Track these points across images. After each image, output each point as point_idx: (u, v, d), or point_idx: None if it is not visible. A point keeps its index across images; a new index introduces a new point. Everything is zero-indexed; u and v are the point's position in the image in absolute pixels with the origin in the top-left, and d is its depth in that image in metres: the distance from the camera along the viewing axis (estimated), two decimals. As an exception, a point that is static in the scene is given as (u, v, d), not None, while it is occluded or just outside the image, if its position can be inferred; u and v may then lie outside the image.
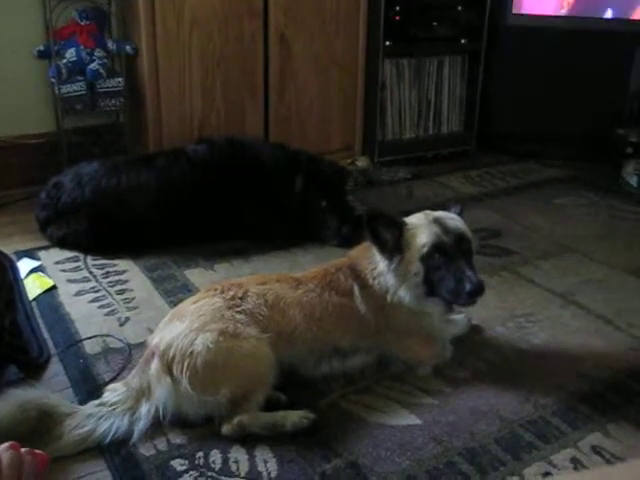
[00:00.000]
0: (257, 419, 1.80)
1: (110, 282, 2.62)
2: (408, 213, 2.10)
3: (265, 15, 3.47)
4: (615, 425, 1.87)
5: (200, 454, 1.75)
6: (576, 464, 1.74)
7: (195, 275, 2.69)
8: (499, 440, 1.81)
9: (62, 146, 3.39)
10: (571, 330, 2.35)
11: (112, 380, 2.00)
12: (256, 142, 3.17)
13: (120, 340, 2.22)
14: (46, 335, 2.25)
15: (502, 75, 4.21)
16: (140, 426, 1.79)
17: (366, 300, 2.04)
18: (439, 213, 2.06)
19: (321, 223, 2.99)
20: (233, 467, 1.71)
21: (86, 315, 2.38)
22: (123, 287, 2.59)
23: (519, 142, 4.25)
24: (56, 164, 3.29)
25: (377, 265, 2.05)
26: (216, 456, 1.74)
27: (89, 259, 2.80)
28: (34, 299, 2.48)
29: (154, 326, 2.03)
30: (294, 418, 1.81)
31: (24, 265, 2.70)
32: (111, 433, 1.77)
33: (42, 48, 3.28)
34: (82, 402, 1.88)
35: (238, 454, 1.75)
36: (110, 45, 3.36)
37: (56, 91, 3.27)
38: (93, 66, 3.27)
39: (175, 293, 2.53)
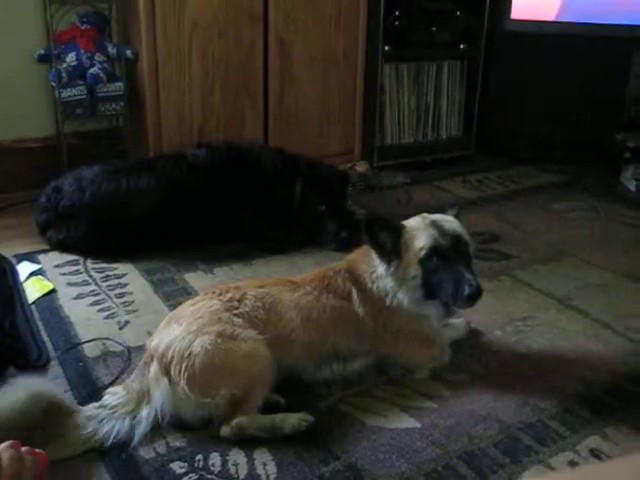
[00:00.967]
0: (256, 421, 1.80)
1: (110, 285, 2.62)
2: (407, 217, 2.11)
3: (265, 20, 3.49)
4: (613, 428, 1.87)
5: (199, 457, 1.75)
6: (574, 467, 1.74)
7: (194, 279, 2.69)
8: (498, 443, 1.81)
9: (62, 150, 3.40)
10: (569, 334, 2.36)
11: (111, 383, 2.01)
12: (255, 147, 3.17)
13: (119, 343, 2.22)
14: (45, 338, 2.25)
15: (501, 80, 4.23)
16: (141, 429, 1.79)
17: (364, 303, 2.05)
18: (436, 216, 2.07)
19: (320, 227, 2.99)
20: (232, 470, 1.71)
21: (85, 318, 2.38)
22: (122, 290, 2.59)
23: (517, 147, 4.26)
24: (56, 168, 3.30)
25: (375, 269, 2.06)
26: (215, 459, 1.74)
27: (89, 262, 2.80)
28: (34, 302, 2.48)
29: (153, 329, 2.04)
30: (293, 421, 1.82)
31: (24, 268, 2.70)
32: (112, 436, 1.77)
33: (43, 52, 3.29)
34: (81, 405, 1.87)
35: (237, 457, 1.75)
36: (110, 49, 3.37)
37: (56, 95, 3.28)
38: (93, 70, 3.27)
39: (174, 296, 2.54)
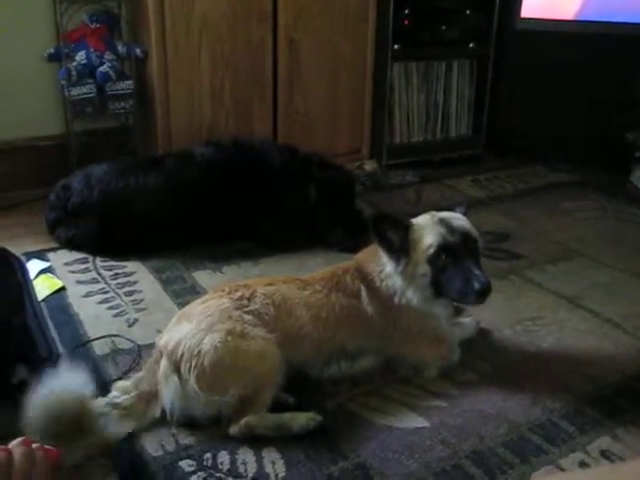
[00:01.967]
0: (265, 420, 1.80)
1: (119, 283, 2.63)
2: (416, 216, 2.10)
3: (274, 19, 3.48)
4: (624, 429, 1.86)
5: (208, 455, 1.75)
6: (584, 468, 1.73)
7: (203, 277, 2.70)
8: (507, 443, 1.81)
9: (71, 148, 3.41)
10: (579, 334, 2.35)
11: (120, 379, 2.01)
12: (265, 145, 3.15)
13: (129, 340, 2.23)
14: (55, 336, 2.26)
15: (510, 79, 4.21)
16: (148, 429, 1.80)
17: (373, 302, 2.05)
18: (444, 214, 2.06)
19: (331, 230, 2.98)
20: (241, 468, 1.71)
21: (95, 316, 2.39)
22: (132, 288, 2.60)
23: (527, 146, 4.25)
24: (65, 166, 3.31)
25: (384, 267, 2.05)
26: (224, 457, 1.74)
27: (98, 260, 2.81)
28: (43, 300, 2.48)
29: (163, 327, 2.04)
30: (301, 420, 1.82)
31: (33, 266, 2.71)
32: (121, 438, 1.77)
33: (52, 51, 3.30)
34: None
35: (246, 455, 1.75)
36: (120, 48, 3.38)
37: (66, 93, 3.29)
38: (103, 69, 3.28)
39: (183, 295, 2.54)
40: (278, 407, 1.85)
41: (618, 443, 1.82)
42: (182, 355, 1.81)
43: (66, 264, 2.77)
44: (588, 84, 3.98)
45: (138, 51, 3.34)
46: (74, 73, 3.26)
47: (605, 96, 3.99)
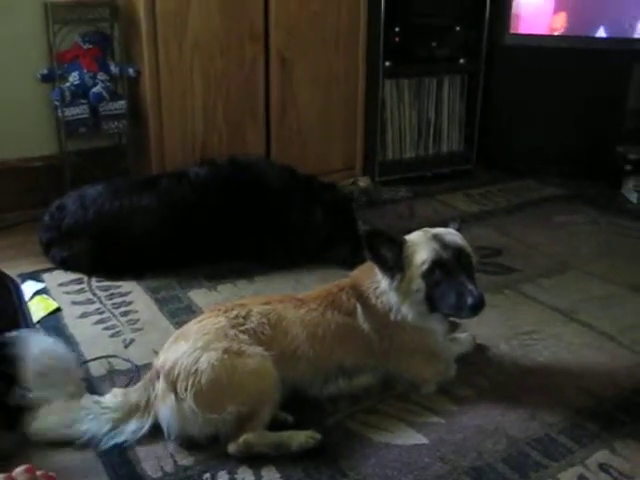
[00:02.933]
0: (263, 438, 1.80)
1: (114, 304, 2.62)
2: (409, 232, 2.11)
3: (266, 38, 3.51)
4: (622, 443, 1.87)
5: (207, 475, 1.74)
6: (584, 483, 1.74)
7: (199, 296, 2.69)
8: (506, 459, 1.81)
9: (65, 168, 3.41)
10: (575, 347, 2.35)
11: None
12: (262, 164, 3.16)
13: (126, 360, 2.22)
14: (51, 357, 2.25)
15: (501, 94, 4.25)
16: (118, 441, 1.81)
17: (369, 319, 2.05)
18: (438, 230, 2.08)
19: (336, 251, 2.98)
20: (240, 488, 1.71)
21: (91, 337, 2.38)
22: (127, 308, 2.59)
23: (519, 160, 4.27)
24: (59, 186, 3.31)
25: (379, 284, 2.06)
26: (223, 477, 1.73)
27: (93, 281, 2.80)
28: (39, 321, 2.48)
29: (159, 347, 2.03)
30: (300, 438, 1.81)
31: (28, 287, 2.71)
32: (87, 435, 1.81)
33: (46, 71, 3.31)
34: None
35: (245, 475, 1.74)
36: (113, 68, 3.40)
37: (59, 114, 3.30)
38: (96, 89, 3.29)
39: (179, 314, 2.54)
40: (277, 426, 1.85)
41: (617, 456, 1.82)
42: (179, 374, 1.81)
43: (61, 285, 2.77)
44: (578, 98, 4.02)
45: (131, 71, 3.35)
46: (67, 94, 3.27)
47: (595, 110, 4.03)
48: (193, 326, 1.97)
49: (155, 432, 1.84)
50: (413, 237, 2.06)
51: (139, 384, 1.93)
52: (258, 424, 1.81)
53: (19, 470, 1.21)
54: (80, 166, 3.44)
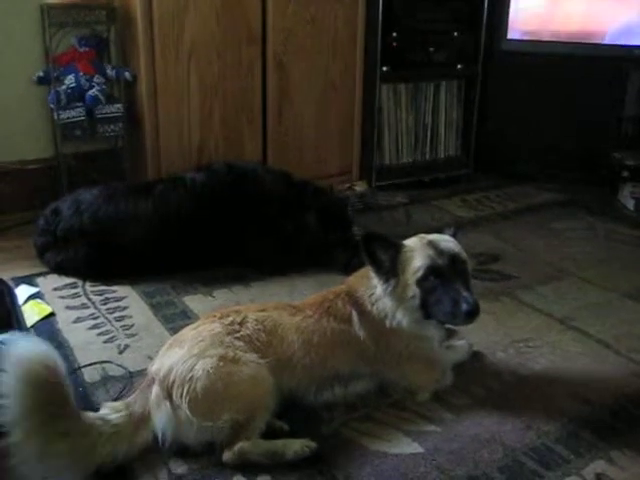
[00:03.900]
0: (258, 446, 1.79)
1: (109, 309, 2.61)
2: (406, 237, 2.10)
3: (263, 42, 3.51)
4: (619, 452, 1.86)
5: (201, 484, 1.73)
6: (580, 492, 1.73)
7: (194, 301, 2.68)
8: (502, 468, 1.80)
9: (61, 171, 3.40)
10: (571, 355, 2.35)
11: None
12: (259, 170, 3.14)
13: (120, 366, 2.21)
14: (45, 363, 2.23)
15: (498, 99, 4.25)
16: (135, 453, 1.78)
17: (365, 326, 2.04)
18: (433, 236, 2.07)
19: (331, 256, 2.97)
20: (234, 497, 1.69)
21: (85, 342, 2.37)
22: (122, 314, 2.58)
23: (516, 166, 4.28)
24: (55, 189, 3.30)
25: (374, 290, 2.06)
26: (217, 486, 1.73)
27: (87, 285, 2.79)
28: (32, 326, 2.46)
29: (154, 353, 2.02)
30: (295, 446, 1.80)
31: (22, 291, 2.69)
32: (111, 457, 1.72)
33: (42, 74, 3.30)
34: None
35: (240, 483, 1.73)
36: (109, 71, 3.39)
37: (55, 117, 3.29)
38: (92, 92, 3.29)
39: (174, 320, 2.52)
40: (272, 435, 1.84)
41: (613, 466, 1.81)
42: (174, 381, 1.79)
43: (55, 289, 2.75)
44: (575, 104, 4.03)
45: (127, 74, 3.34)
46: (63, 96, 3.26)
47: (592, 116, 4.04)
48: (188, 332, 1.96)
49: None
50: (408, 243, 2.06)
51: (136, 393, 1.89)
52: (253, 432, 1.80)
53: None
54: (76, 169, 3.44)
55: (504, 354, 2.34)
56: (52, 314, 2.56)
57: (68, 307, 2.62)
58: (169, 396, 1.79)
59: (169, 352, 1.90)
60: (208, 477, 1.75)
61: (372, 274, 2.05)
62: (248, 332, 1.94)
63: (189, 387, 1.77)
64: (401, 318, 2.02)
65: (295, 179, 3.14)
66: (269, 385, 1.86)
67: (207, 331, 1.92)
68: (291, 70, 3.62)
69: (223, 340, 1.89)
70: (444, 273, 1.96)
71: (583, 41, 3.97)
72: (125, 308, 2.62)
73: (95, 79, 3.33)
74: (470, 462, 1.81)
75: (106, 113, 3.35)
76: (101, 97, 3.30)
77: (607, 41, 3.94)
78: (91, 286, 2.78)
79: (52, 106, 3.29)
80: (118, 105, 3.37)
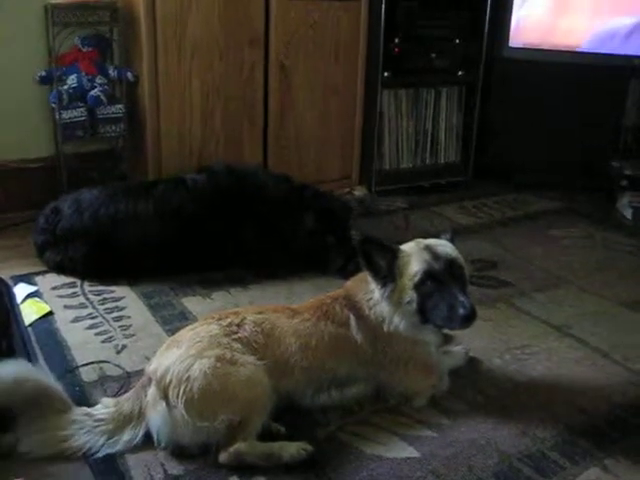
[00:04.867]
0: (254, 448, 1.79)
1: (107, 309, 2.61)
2: (404, 242, 2.11)
3: (266, 45, 3.52)
4: (614, 460, 1.86)
5: (197, 485, 1.73)
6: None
7: (193, 303, 2.68)
8: (498, 474, 1.80)
9: (61, 171, 3.40)
10: (568, 363, 2.35)
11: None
12: (259, 172, 3.16)
13: (118, 366, 2.21)
14: (42, 361, 2.23)
15: (498, 106, 4.26)
16: (112, 451, 1.80)
17: (362, 330, 2.05)
18: (430, 241, 2.08)
19: (328, 259, 2.98)
20: (230, 499, 1.70)
21: (83, 342, 2.37)
22: (120, 314, 2.58)
23: (515, 173, 4.28)
24: (55, 189, 3.30)
25: (372, 294, 2.06)
26: (213, 487, 1.73)
27: (86, 285, 2.79)
28: (30, 325, 2.47)
29: (151, 354, 2.03)
30: (292, 449, 1.80)
31: (21, 290, 2.69)
32: (83, 449, 1.79)
33: (44, 73, 3.30)
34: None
35: (235, 486, 1.74)
36: (111, 72, 3.39)
37: (57, 116, 3.29)
38: (94, 92, 3.29)
39: (172, 321, 2.53)
40: (269, 437, 1.84)
41: (608, 474, 1.82)
42: (171, 381, 1.80)
43: (54, 288, 2.75)
44: (575, 112, 4.03)
45: (129, 75, 3.35)
46: (65, 96, 3.27)
47: (591, 124, 4.05)
48: (186, 333, 1.96)
49: (145, 440, 1.83)
50: (406, 248, 2.07)
51: (130, 392, 1.91)
52: (250, 433, 1.80)
53: None
54: (77, 169, 3.44)
55: (501, 360, 2.35)
56: (50, 313, 2.56)
57: (66, 306, 2.62)
58: (165, 396, 1.79)
59: (167, 352, 1.90)
60: (204, 478, 1.75)
61: (370, 278, 2.06)
62: (246, 334, 1.95)
63: (186, 387, 1.77)
64: (398, 322, 2.03)
65: (294, 182, 3.14)
66: (266, 387, 1.86)
67: (205, 332, 1.93)
68: (293, 73, 3.63)
69: (221, 341, 1.89)
70: (441, 278, 1.97)
71: (583, 50, 3.98)
72: (123, 308, 2.62)
73: (97, 79, 3.33)
74: (466, 467, 1.82)
75: (107, 113, 3.35)
76: (103, 97, 3.30)
77: (608, 51, 3.95)
78: (90, 286, 2.79)
79: (54, 105, 3.29)
80: (120, 106, 3.38)
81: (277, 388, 1.91)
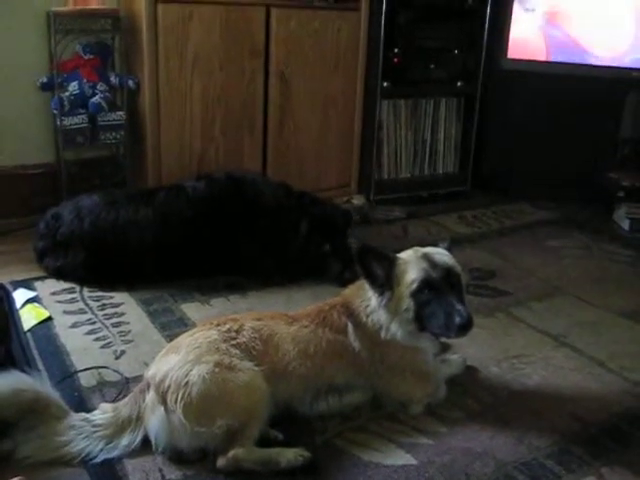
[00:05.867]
0: (252, 454, 1.79)
1: (106, 314, 2.62)
2: (402, 252, 2.12)
3: (266, 54, 3.55)
4: (609, 469, 1.87)
5: (195, 491, 1.74)
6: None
7: (191, 309, 2.69)
8: (494, 482, 1.81)
9: (62, 177, 3.42)
10: (564, 372, 2.36)
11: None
12: (258, 181, 3.18)
13: (116, 372, 2.22)
14: (41, 367, 2.24)
15: (496, 117, 4.29)
16: (110, 456, 1.80)
17: (360, 337, 2.06)
18: (428, 249, 2.09)
19: (324, 266, 2.99)
20: (228, 504, 1.70)
21: (81, 347, 2.37)
22: (119, 320, 2.59)
23: (513, 183, 4.31)
24: (55, 195, 3.32)
25: (369, 302, 2.07)
26: (211, 493, 1.73)
27: (85, 291, 2.80)
28: (29, 330, 2.47)
29: (150, 360, 2.03)
30: (289, 455, 1.81)
31: (20, 295, 2.70)
32: (82, 455, 1.79)
33: (45, 80, 3.32)
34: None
35: (233, 491, 1.74)
36: (113, 79, 3.41)
37: (58, 123, 3.31)
38: (95, 99, 3.31)
39: (171, 327, 2.54)
40: (267, 443, 1.85)
41: (604, 483, 1.83)
42: (169, 386, 1.80)
43: (53, 294, 2.76)
44: (572, 124, 4.06)
45: (131, 83, 3.37)
46: (66, 103, 3.29)
47: (589, 136, 4.08)
48: (185, 339, 1.97)
49: (144, 445, 1.84)
50: (403, 256, 2.07)
51: (128, 397, 1.92)
52: (247, 439, 1.80)
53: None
54: (77, 175, 3.45)
55: (498, 369, 2.36)
56: (49, 318, 2.56)
57: (65, 312, 2.63)
58: (164, 401, 1.80)
59: (165, 358, 1.91)
60: (202, 483, 1.76)
61: (367, 286, 2.07)
62: (244, 340, 1.95)
63: (184, 392, 1.78)
64: (395, 330, 2.03)
65: (293, 190, 3.16)
66: (264, 393, 1.87)
67: (203, 338, 1.93)
68: (293, 83, 3.66)
69: (219, 347, 1.90)
70: (438, 286, 1.98)
71: (582, 62, 4.01)
72: (122, 314, 2.63)
73: (98, 86, 3.35)
74: (462, 475, 1.82)
75: (108, 120, 3.37)
76: (104, 104, 3.33)
77: (605, 62, 3.99)
78: (89, 291, 2.79)
79: (55, 112, 3.31)
80: (120, 113, 3.40)
81: (275, 394, 1.91)
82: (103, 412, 1.88)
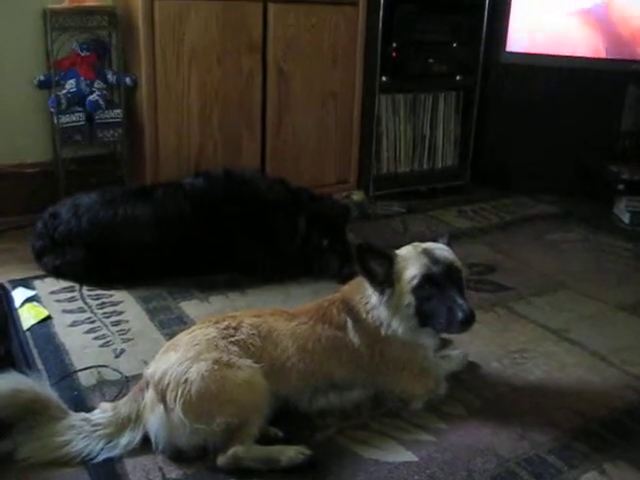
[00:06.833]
0: (252, 451, 1.79)
1: (105, 313, 2.61)
2: (402, 247, 2.11)
3: (264, 50, 3.53)
4: (612, 464, 1.86)
5: (195, 489, 1.73)
6: (573, 503, 1.74)
7: (190, 307, 2.69)
8: (496, 478, 1.80)
9: (59, 175, 3.41)
10: (565, 367, 2.35)
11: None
12: (256, 177, 3.17)
13: (116, 371, 2.21)
14: (40, 366, 2.23)
15: (496, 111, 4.28)
16: (111, 455, 1.80)
17: (360, 334, 2.05)
18: (428, 244, 2.08)
19: (322, 262, 2.98)
20: (228, 503, 1.70)
21: (81, 346, 2.36)
22: (118, 318, 2.58)
23: (512, 177, 4.30)
24: (53, 193, 3.31)
25: (369, 298, 2.06)
26: (211, 491, 1.73)
27: (84, 289, 2.79)
28: (28, 329, 2.46)
29: (149, 358, 2.02)
30: (290, 453, 1.80)
31: (19, 294, 2.69)
32: (82, 455, 1.78)
33: (42, 78, 3.31)
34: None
35: (233, 489, 1.73)
36: (110, 77, 3.40)
37: (55, 121, 3.30)
38: (92, 97, 3.30)
39: (170, 325, 2.53)
40: (267, 441, 1.84)
41: (606, 478, 1.81)
42: (168, 384, 1.80)
43: (52, 292, 2.75)
44: (572, 117, 4.05)
45: (128, 80, 3.36)
46: (64, 101, 3.28)
47: (589, 129, 4.06)
48: (184, 337, 1.96)
49: (144, 444, 1.83)
50: (403, 252, 2.06)
51: (128, 396, 1.91)
52: (247, 436, 1.80)
53: None
54: (75, 173, 3.44)
55: (499, 364, 2.35)
56: (49, 317, 2.55)
57: (65, 311, 2.62)
58: (163, 399, 1.79)
59: (164, 356, 1.90)
60: (202, 482, 1.75)
61: (366, 283, 2.06)
62: (243, 337, 1.95)
63: (183, 390, 1.77)
64: (396, 326, 2.02)
65: (291, 186, 3.15)
66: (263, 390, 1.86)
67: (202, 335, 1.93)
68: (291, 78, 3.64)
69: (218, 344, 1.89)
70: (439, 281, 1.97)
71: (581, 55, 4.00)
72: (121, 313, 2.62)
73: (96, 84, 3.34)
74: (464, 472, 1.82)
75: (106, 118, 3.36)
76: (101, 102, 3.31)
77: (606, 55, 3.97)
78: (88, 290, 2.79)
79: (52, 110, 3.30)
80: (118, 110, 3.39)
81: (274, 391, 1.90)
82: (103, 411, 1.87)
